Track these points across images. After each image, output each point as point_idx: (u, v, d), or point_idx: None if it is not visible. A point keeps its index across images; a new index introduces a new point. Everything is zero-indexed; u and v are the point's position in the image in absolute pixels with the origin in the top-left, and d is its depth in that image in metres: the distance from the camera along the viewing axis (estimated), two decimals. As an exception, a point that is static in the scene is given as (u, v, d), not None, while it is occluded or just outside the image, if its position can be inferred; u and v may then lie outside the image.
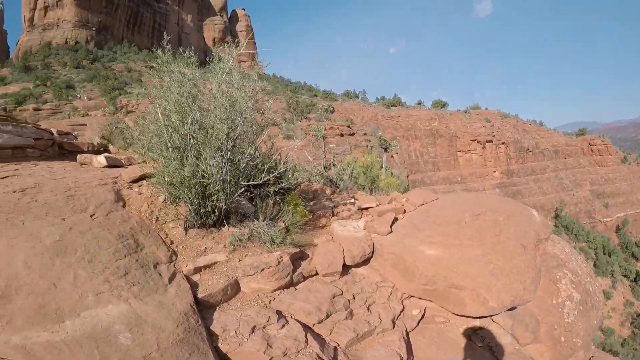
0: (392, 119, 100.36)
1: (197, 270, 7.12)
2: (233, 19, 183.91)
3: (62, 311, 5.48)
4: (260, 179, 8.44)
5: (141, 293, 5.97)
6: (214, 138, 7.87)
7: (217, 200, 8.03)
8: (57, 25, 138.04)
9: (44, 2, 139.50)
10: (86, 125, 46.62)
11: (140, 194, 9.12)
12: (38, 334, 5.05)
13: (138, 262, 6.72)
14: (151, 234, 7.74)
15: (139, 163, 10.75)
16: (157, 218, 8.41)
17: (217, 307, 6.60)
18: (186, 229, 8.11)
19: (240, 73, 8.94)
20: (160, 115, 8.37)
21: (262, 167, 8.77)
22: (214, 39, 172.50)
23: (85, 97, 69.84)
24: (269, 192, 8.99)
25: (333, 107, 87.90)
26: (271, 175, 8.68)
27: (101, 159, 11.92)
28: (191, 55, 8.87)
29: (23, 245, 6.51)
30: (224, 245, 7.89)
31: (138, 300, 5.83)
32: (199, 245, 7.87)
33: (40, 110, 58.25)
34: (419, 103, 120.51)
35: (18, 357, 4.76)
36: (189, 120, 8.04)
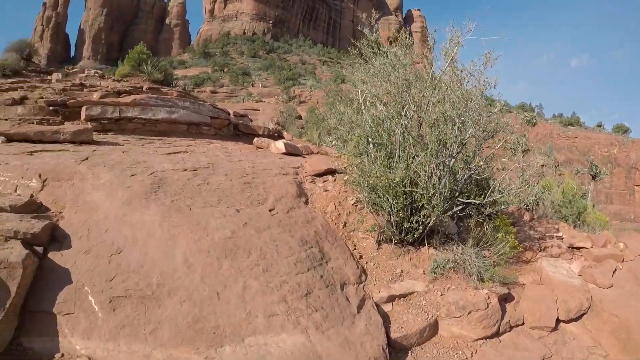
0: (568, 139, 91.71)
1: (391, 299, 5.86)
2: (408, 19, 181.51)
3: (221, 331, 4.28)
4: (484, 198, 6.66)
5: (324, 323, 4.58)
6: (434, 139, 6.24)
7: (426, 216, 6.45)
8: (236, 17, 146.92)
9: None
10: (259, 110, 48.12)
11: (326, 190, 7.92)
12: (187, 356, 3.84)
13: (323, 279, 5.40)
14: (338, 243, 6.43)
15: (333, 155, 9.63)
16: (345, 223, 7.12)
17: (410, 351, 5.26)
18: (379, 242, 6.75)
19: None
20: (362, 103, 7.04)
21: (486, 183, 7.01)
22: (388, 38, 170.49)
23: (260, 85, 72.46)
24: (481, 213, 7.20)
25: (536, 119, 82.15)
26: (499, 196, 6.82)
27: (280, 145, 10.99)
28: (407, 37, 7.37)
29: (186, 237, 5.44)
30: (423, 271, 6.48)
31: (319, 332, 4.45)
32: (393, 266, 6.47)
33: (217, 93, 61.43)
34: (599, 125, 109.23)
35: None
36: (404, 112, 6.54)
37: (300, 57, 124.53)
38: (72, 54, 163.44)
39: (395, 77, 6.97)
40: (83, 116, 11.99)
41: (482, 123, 6.47)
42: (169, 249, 5.23)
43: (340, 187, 8.07)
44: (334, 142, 18.44)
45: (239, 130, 16.44)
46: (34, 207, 6.39)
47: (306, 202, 7.41)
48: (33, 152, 8.53)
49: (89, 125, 11.55)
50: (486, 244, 6.98)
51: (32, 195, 6.75)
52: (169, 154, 8.93)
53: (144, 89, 14.54)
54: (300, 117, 47.33)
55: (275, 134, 17.89)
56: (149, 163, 7.61)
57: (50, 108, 12.28)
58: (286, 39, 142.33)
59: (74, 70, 19.85)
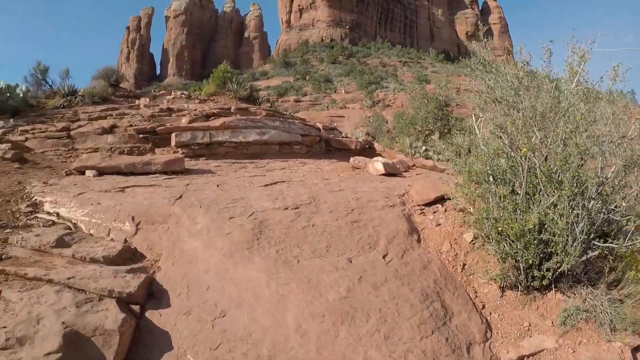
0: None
1: (520, 360, 4.80)
2: (485, 11, 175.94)
3: None
4: (623, 240, 5.54)
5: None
6: (569, 177, 5.23)
7: (558, 262, 5.45)
8: (312, 25, 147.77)
9: (299, 5, 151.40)
10: (344, 117, 47.60)
11: (438, 224, 7.04)
12: None
13: (448, 342, 4.63)
14: (458, 292, 5.58)
15: (430, 168, 8.71)
16: (464, 265, 6.23)
17: None
18: (502, 288, 5.74)
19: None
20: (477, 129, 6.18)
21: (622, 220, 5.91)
22: (466, 33, 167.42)
23: (343, 91, 72.04)
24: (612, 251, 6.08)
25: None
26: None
27: (378, 166, 10.26)
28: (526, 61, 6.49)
29: (297, 298, 4.75)
30: (552, 323, 5.49)
31: None
32: (519, 318, 5.51)
33: (301, 101, 61.47)
34: None
35: None
36: (531, 144, 5.63)
37: (380, 59, 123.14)
38: (158, 72, 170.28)
39: (524, 106, 6.01)
40: (173, 143, 11.72)
41: (625, 156, 5.37)
42: (279, 313, 4.54)
43: (453, 219, 7.15)
44: (436, 157, 17.60)
45: (330, 146, 15.81)
46: (128, 255, 5.93)
47: (418, 240, 6.56)
48: (125, 187, 8.17)
49: (180, 152, 11.27)
50: (615, 285, 5.89)
51: (125, 241, 6.32)
52: (265, 185, 8.32)
53: (231, 110, 14.20)
54: (385, 122, 46.39)
55: (367, 146, 17.16)
56: (246, 200, 7.02)
57: (140, 136, 12.11)
58: (364, 43, 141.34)
59: (161, 93, 19.96)
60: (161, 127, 12.07)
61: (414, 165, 13.05)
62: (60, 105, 15.72)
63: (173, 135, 11.78)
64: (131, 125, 12.57)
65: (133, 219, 6.58)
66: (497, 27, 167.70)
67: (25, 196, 8.14)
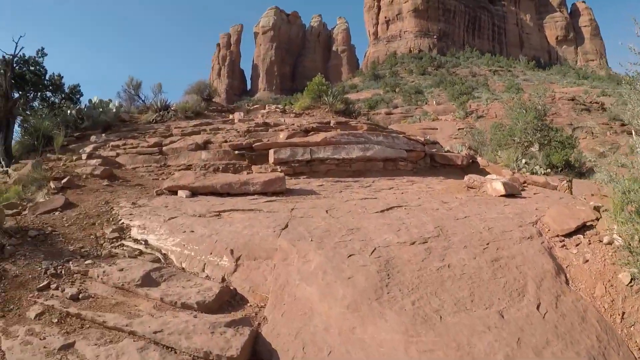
0: None
1: None
2: (574, 13, 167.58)
3: None
4: None
5: None
6: None
7: None
8: (400, 37, 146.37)
9: (385, 17, 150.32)
10: (437, 129, 45.87)
11: (586, 261, 5.62)
12: None
13: None
14: (622, 350, 4.37)
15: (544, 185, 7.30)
16: (622, 314, 4.80)
17: None
18: None
19: None
20: None
21: None
22: (556, 38, 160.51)
23: (434, 102, 69.97)
24: None
25: None
26: None
27: (497, 186, 9.20)
28: None
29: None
30: None
31: None
32: None
33: (392, 114, 59.99)
34: None
35: None
36: None
37: (470, 69, 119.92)
38: (249, 86, 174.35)
39: None
40: (271, 160, 10.85)
41: None
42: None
43: (602, 254, 5.69)
44: (539, 169, 15.96)
45: (435, 162, 14.47)
46: (226, 298, 4.97)
47: (567, 282, 5.21)
48: (221, 212, 7.27)
49: (279, 171, 10.38)
50: None
51: (223, 279, 5.38)
52: (381, 212, 7.15)
53: (331, 124, 13.22)
54: (480, 133, 44.43)
55: (471, 160, 15.68)
56: (363, 231, 5.88)
57: (236, 152, 11.32)
58: (452, 52, 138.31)
59: (255, 107, 19.38)
60: (258, 143, 11.26)
61: (524, 182, 11.82)
62: (153, 120, 15.44)
63: (271, 151, 10.94)
64: (226, 141, 11.84)
65: (232, 252, 5.63)
66: (587, 30, 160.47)
67: (111, 218, 7.48)
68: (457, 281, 4.73)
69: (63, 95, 15.32)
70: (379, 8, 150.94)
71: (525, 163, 19.74)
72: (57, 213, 7.72)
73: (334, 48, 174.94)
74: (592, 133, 44.73)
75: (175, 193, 8.64)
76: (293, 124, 13.20)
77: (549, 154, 25.89)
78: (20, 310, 4.57)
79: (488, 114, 52.48)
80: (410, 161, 13.04)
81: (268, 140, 11.53)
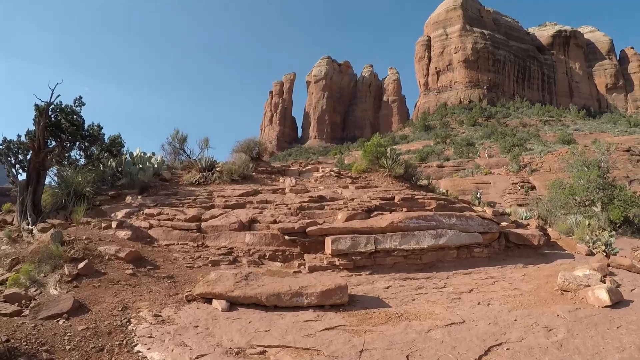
0: None
1: None
2: (623, 60, 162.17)
3: None
4: None
5: None
6: None
7: None
8: (450, 87, 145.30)
9: (436, 68, 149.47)
10: (490, 183, 43.43)
11: None
12: None
13: None
14: None
15: None
16: None
17: None
18: None
19: None
20: None
21: None
22: (606, 85, 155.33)
23: (486, 154, 67.03)
24: None
25: None
26: None
27: (601, 295, 7.49)
28: None
29: None
30: None
31: None
32: None
33: (443, 167, 57.66)
34: None
35: None
36: None
37: (520, 119, 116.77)
38: (299, 134, 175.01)
39: None
40: (328, 250, 8.99)
41: None
42: None
43: None
44: (608, 237, 13.59)
45: (509, 242, 12.28)
46: None
47: None
48: (266, 348, 5.38)
49: (337, 263, 8.50)
50: None
51: None
52: (479, 358, 5.13)
53: (395, 201, 11.33)
54: (533, 188, 41.67)
55: (540, 233, 13.40)
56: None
57: (286, 237, 9.45)
58: (502, 103, 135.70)
59: (307, 168, 17.61)
60: (312, 227, 9.37)
61: (609, 266, 10.23)
62: (196, 181, 13.96)
63: (328, 239, 9.04)
64: (275, 221, 10.01)
65: None
66: (637, 77, 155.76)
67: (125, 342, 5.76)
68: None
69: (102, 147, 14.01)
70: (430, 59, 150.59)
71: (588, 224, 17.36)
72: (61, 322, 6.11)
73: (384, 98, 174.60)
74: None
75: (210, 301, 6.80)
76: (352, 199, 11.36)
77: (609, 209, 23.37)
78: None
79: (542, 168, 49.70)
80: (484, 245, 10.91)
81: (324, 223, 9.73)
